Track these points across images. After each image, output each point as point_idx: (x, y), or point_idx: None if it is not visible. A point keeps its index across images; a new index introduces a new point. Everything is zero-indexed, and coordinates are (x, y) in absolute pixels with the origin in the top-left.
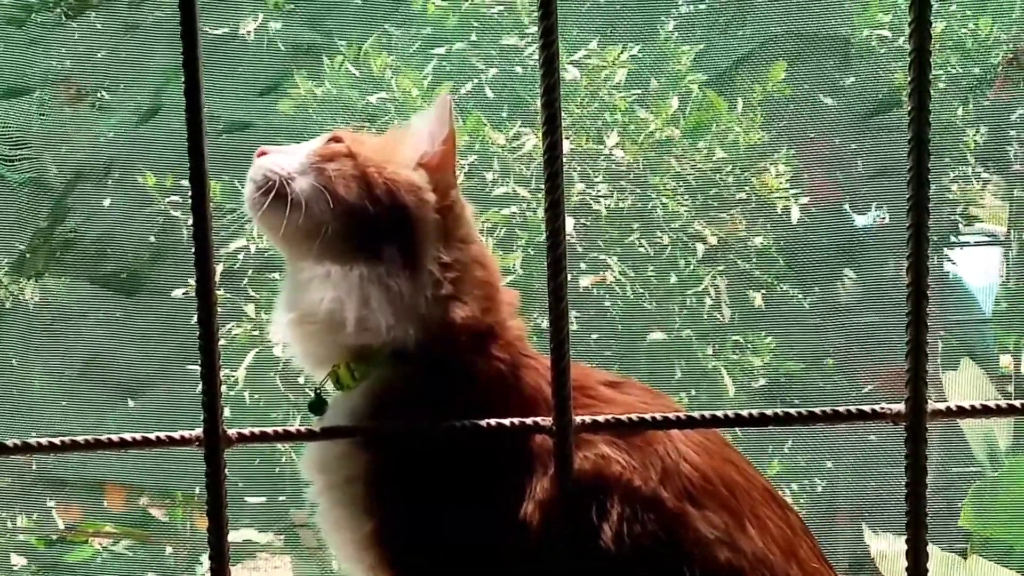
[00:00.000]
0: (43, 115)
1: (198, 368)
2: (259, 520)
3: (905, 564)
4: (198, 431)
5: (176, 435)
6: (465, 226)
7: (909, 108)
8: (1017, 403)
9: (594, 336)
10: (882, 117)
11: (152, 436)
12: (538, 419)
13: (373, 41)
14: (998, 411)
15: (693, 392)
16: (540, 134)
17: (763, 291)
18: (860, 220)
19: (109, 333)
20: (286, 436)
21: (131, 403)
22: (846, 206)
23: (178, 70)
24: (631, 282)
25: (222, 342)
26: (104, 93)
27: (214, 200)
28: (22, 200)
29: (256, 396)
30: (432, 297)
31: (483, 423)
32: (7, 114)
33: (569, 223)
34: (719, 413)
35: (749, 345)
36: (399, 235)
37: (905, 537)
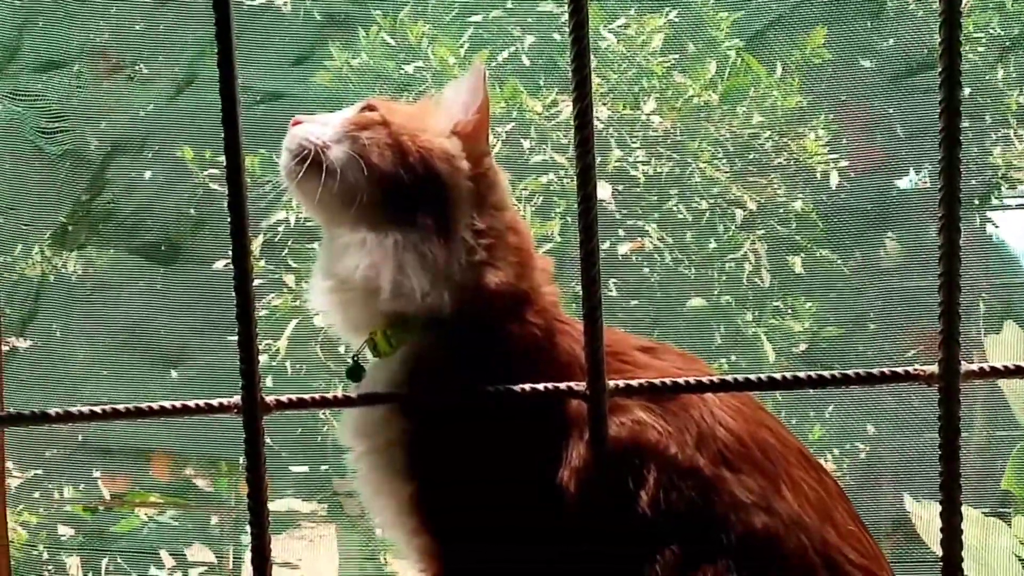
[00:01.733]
0: (80, 88)
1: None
2: (303, 489)
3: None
4: (236, 398)
5: (215, 402)
6: (499, 193)
7: (940, 69)
8: None
9: (633, 303)
10: (920, 78)
11: (191, 404)
12: (572, 383)
13: (409, 10)
14: None
15: (733, 358)
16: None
17: (802, 256)
18: (901, 183)
19: (151, 304)
20: (323, 403)
21: (174, 373)
22: (886, 169)
23: (213, 41)
24: (670, 248)
25: (263, 313)
26: (141, 65)
27: (253, 173)
28: (61, 173)
29: (297, 366)
30: (466, 263)
31: (517, 388)
32: (45, 87)
33: (607, 190)
34: (752, 376)
35: (789, 310)
36: (433, 202)
37: (939, 499)
